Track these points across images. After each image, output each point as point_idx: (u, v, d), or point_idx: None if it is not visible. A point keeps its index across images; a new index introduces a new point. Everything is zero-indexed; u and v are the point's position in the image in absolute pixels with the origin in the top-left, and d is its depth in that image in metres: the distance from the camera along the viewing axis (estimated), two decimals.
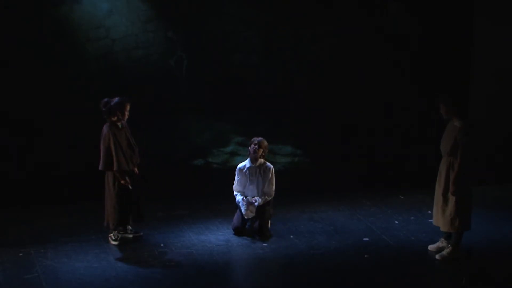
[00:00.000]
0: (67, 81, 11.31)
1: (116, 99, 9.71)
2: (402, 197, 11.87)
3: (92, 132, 10.40)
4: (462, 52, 12.27)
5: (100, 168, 9.78)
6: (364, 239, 10.29)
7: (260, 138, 10.39)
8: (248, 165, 10.44)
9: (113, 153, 9.66)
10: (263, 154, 10.38)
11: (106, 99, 9.73)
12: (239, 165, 10.51)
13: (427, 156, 11.99)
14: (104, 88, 11.07)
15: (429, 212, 9.94)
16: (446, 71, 12.31)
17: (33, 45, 11.10)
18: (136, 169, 9.99)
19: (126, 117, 9.78)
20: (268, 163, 10.47)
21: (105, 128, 9.74)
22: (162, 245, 10.01)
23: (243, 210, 10.29)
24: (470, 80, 12.26)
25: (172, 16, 11.60)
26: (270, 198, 10.43)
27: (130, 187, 9.79)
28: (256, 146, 10.31)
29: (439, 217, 9.58)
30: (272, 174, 10.41)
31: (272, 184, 10.43)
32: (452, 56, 12.31)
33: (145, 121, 11.37)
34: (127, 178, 9.77)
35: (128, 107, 9.75)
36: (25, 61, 11.09)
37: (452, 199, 9.42)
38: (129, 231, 10.13)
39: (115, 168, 9.68)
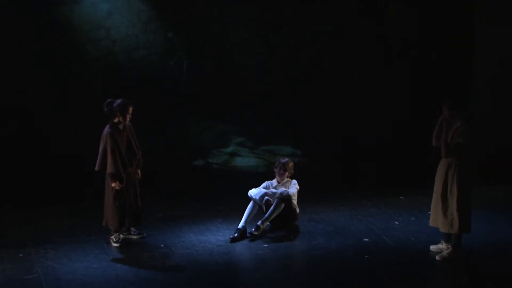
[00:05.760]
0: (67, 81, 11.32)
1: (118, 101, 9.55)
2: (402, 197, 11.85)
3: (92, 133, 10.39)
4: (462, 53, 12.27)
5: (95, 168, 9.68)
6: (364, 239, 10.29)
7: (285, 160, 10.60)
8: (275, 183, 10.62)
9: (108, 155, 9.56)
10: (289, 174, 10.58)
11: (109, 100, 9.58)
12: (268, 181, 10.66)
13: (427, 156, 11.98)
14: (104, 88, 11.07)
15: (429, 213, 9.93)
16: (447, 71, 12.31)
17: (33, 45, 11.10)
18: (139, 172, 9.94)
19: (128, 119, 9.63)
20: (293, 180, 10.61)
21: (106, 129, 9.61)
22: (162, 245, 10.00)
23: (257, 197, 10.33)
24: (470, 81, 12.26)
25: (172, 16, 11.61)
26: (286, 194, 10.38)
27: (119, 188, 9.59)
28: (281, 170, 10.53)
29: (439, 217, 9.59)
30: (292, 183, 10.52)
31: (293, 189, 10.47)
32: (453, 57, 12.31)
33: (145, 121, 11.37)
34: (118, 181, 9.64)
35: (130, 110, 9.58)
36: (25, 62, 11.09)
37: (452, 201, 9.42)
38: (132, 232, 10.12)
39: (108, 171, 9.57)
